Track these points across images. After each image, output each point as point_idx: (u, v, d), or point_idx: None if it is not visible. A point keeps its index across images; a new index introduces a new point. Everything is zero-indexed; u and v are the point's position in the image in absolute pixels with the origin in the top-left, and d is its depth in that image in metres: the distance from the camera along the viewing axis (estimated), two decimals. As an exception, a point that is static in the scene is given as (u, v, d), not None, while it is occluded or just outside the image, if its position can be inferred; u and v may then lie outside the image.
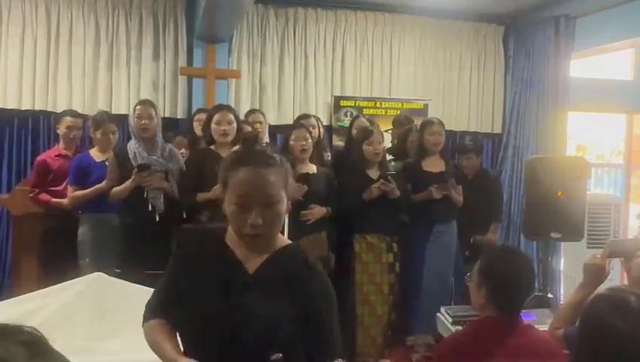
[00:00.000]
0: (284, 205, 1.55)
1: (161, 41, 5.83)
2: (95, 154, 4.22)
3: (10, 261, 5.12)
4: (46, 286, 4.25)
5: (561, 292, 5.47)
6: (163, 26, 5.83)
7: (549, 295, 4.49)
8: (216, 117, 3.82)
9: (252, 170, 1.52)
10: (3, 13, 5.47)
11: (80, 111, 5.40)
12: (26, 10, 5.50)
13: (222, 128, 3.78)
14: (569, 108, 6.03)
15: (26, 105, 5.50)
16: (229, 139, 3.81)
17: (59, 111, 5.38)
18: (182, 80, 5.86)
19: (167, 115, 5.83)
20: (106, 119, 4.22)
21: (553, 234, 4.33)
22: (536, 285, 5.25)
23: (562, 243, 5.01)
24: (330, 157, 4.83)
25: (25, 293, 4.56)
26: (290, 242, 1.69)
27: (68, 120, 4.44)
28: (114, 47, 5.71)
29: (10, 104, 5.48)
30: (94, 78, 5.67)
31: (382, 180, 4.09)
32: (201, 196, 3.69)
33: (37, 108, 5.54)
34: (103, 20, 5.68)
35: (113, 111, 5.57)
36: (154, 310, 1.68)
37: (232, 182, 1.53)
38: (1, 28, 5.47)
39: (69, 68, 5.61)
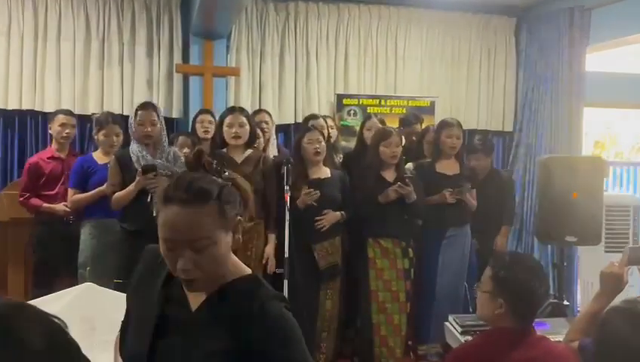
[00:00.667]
0: (224, 244, 1.39)
1: (156, 37, 5.79)
2: (98, 156, 4.24)
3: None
4: (35, 296, 4.29)
5: (578, 299, 5.44)
6: (157, 21, 5.79)
7: (565, 302, 4.46)
8: (227, 119, 3.84)
9: (177, 210, 1.34)
10: (-12, 9, 5.45)
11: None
12: (12, 6, 5.46)
13: (233, 131, 3.80)
14: (585, 104, 6.00)
15: (12, 105, 5.47)
16: (241, 142, 3.83)
17: (47, 111, 5.40)
18: (177, 78, 5.82)
19: (161, 115, 5.83)
20: (110, 120, 4.22)
21: (568, 238, 4.30)
22: (551, 291, 5.25)
23: (578, 248, 4.98)
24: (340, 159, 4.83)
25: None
26: (248, 274, 1.49)
27: (61, 117, 4.44)
28: (105, 44, 5.67)
29: (-3, 104, 5.44)
30: (85, 77, 5.63)
31: (399, 183, 4.08)
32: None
33: (24, 107, 5.50)
34: (94, 15, 5.63)
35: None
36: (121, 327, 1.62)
37: (159, 221, 1.38)
38: (-14, 25, 5.45)
39: (57, 66, 5.57)
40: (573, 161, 4.66)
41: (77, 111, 5.52)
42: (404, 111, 6.16)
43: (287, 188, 3.57)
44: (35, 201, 4.32)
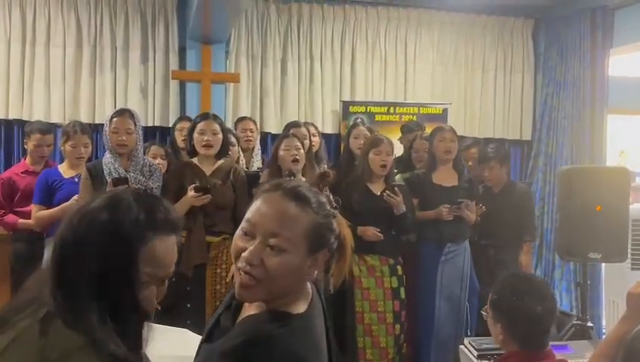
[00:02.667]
0: (299, 263, 1.38)
1: (150, 41, 5.84)
2: (64, 169, 4.11)
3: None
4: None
5: (603, 319, 5.40)
6: (152, 25, 5.84)
7: (589, 323, 4.41)
8: (199, 125, 3.77)
9: (278, 198, 1.40)
10: (-27, 14, 5.51)
11: (60, 120, 5.45)
12: (-2, 11, 5.54)
13: (205, 139, 3.74)
14: (608, 111, 5.99)
15: (-2, 115, 5.52)
16: (212, 151, 3.77)
17: (34, 121, 5.42)
18: (173, 85, 5.86)
19: (157, 124, 5.85)
20: (78, 130, 4.11)
21: (592, 255, 4.26)
22: (574, 312, 5.21)
23: (603, 265, 4.95)
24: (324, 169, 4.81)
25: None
26: (284, 312, 1.40)
27: (36, 136, 4.36)
28: (97, 49, 5.72)
29: (-19, 113, 5.49)
30: (75, 84, 5.69)
31: (387, 191, 4.05)
32: (179, 208, 3.67)
33: (11, 117, 5.56)
34: (85, 19, 5.69)
35: (97, 121, 5.60)
36: None
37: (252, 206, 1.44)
38: (-28, 31, 5.50)
39: (46, 73, 5.62)
40: (596, 171, 4.63)
41: (67, 121, 5.54)
42: (415, 119, 6.16)
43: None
44: (10, 218, 4.29)
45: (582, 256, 4.32)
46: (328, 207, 1.43)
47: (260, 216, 1.38)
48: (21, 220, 4.25)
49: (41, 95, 5.61)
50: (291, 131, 4.34)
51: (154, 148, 4.42)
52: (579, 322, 4.31)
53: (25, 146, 4.51)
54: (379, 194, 4.13)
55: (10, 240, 4.36)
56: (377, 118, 6.22)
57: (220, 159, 3.86)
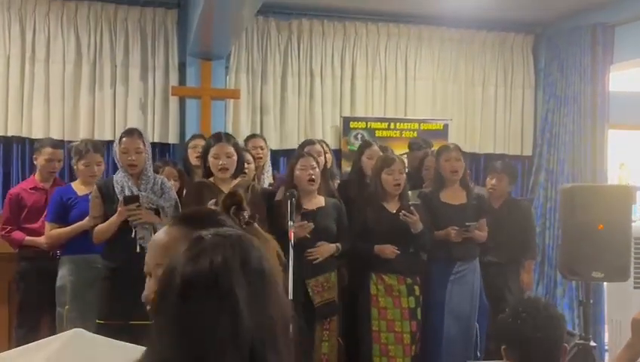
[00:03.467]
0: None
1: (150, 58, 5.84)
2: (78, 187, 4.18)
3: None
4: (19, 338, 4.25)
5: (606, 339, 5.37)
6: (152, 41, 5.84)
7: (592, 343, 4.39)
8: (213, 149, 3.79)
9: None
10: (-27, 31, 5.50)
11: (59, 137, 5.44)
12: (-3, 26, 5.53)
13: (220, 163, 3.76)
14: (609, 126, 5.99)
15: (-3, 131, 5.51)
16: (228, 174, 3.79)
17: (35, 138, 5.42)
18: (173, 101, 5.86)
19: (157, 140, 5.83)
20: (90, 148, 4.17)
21: (595, 274, 4.24)
22: (576, 330, 5.18)
23: (605, 284, 4.92)
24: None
25: (-6, 346, 4.58)
26: None
27: (48, 150, 4.39)
28: (97, 66, 5.72)
29: (-20, 130, 5.48)
30: (75, 101, 5.68)
31: (403, 211, 4.05)
32: None
33: (10, 133, 5.54)
34: (85, 36, 5.69)
35: (96, 137, 5.58)
36: None
37: None
38: (-30, 47, 5.50)
39: (46, 89, 5.61)
40: (598, 190, 4.63)
41: (66, 138, 5.57)
42: (416, 135, 6.16)
43: (291, 223, 3.53)
44: (17, 235, 4.30)
45: (584, 275, 4.30)
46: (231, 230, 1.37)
47: (148, 250, 1.35)
48: (28, 237, 4.26)
49: (41, 111, 5.60)
50: (306, 149, 4.35)
51: (167, 170, 4.39)
52: (582, 341, 4.28)
53: (34, 162, 4.52)
54: (394, 212, 4.13)
55: (16, 258, 4.34)
56: (378, 133, 6.21)
57: (236, 178, 3.86)
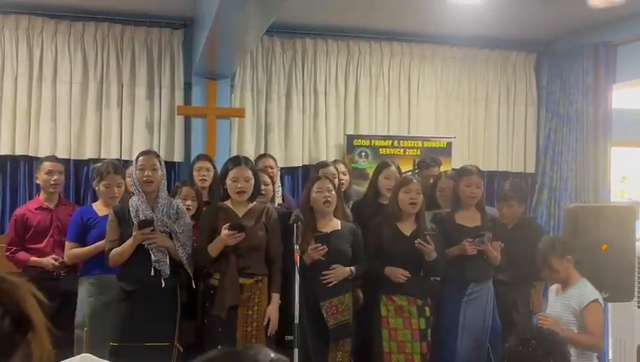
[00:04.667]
0: None
1: (156, 77, 5.89)
2: (98, 207, 4.26)
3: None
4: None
5: (610, 356, 5.36)
6: (158, 61, 5.89)
7: (596, 361, 4.39)
8: (232, 173, 3.84)
9: None
10: (-20, 50, 5.55)
11: (66, 156, 5.49)
12: (5, 46, 5.58)
13: (239, 186, 3.80)
14: (612, 144, 6.01)
15: (4, 150, 5.55)
16: (246, 197, 3.84)
17: (41, 156, 5.45)
18: (179, 120, 5.90)
19: (163, 159, 5.86)
20: (111, 170, 4.25)
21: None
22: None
23: (610, 304, 4.92)
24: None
25: (2, 363, 4.57)
26: None
27: (47, 164, 4.46)
28: (103, 85, 5.77)
29: (-12, 149, 5.52)
30: (82, 120, 5.72)
31: (419, 240, 4.05)
32: (212, 248, 3.74)
33: (17, 153, 5.58)
34: (92, 55, 5.74)
35: (103, 156, 5.63)
36: None
37: None
38: (-21, 66, 5.54)
39: (53, 108, 5.66)
40: (601, 210, 4.65)
41: (73, 157, 5.61)
42: (419, 152, 6.18)
43: (296, 247, 3.55)
44: (21, 255, 4.33)
45: (589, 295, 4.30)
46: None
47: None
48: (32, 258, 4.29)
49: (48, 131, 5.64)
50: (321, 172, 4.37)
51: (185, 190, 4.41)
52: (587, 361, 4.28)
53: (36, 181, 4.54)
54: (409, 234, 4.14)
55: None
56: (382, 151, 6.23)
57: (252, 201, 3.91)
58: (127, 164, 5.12)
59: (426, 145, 6.33)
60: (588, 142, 6.01)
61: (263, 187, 4.16)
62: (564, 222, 4.74)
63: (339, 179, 4.59)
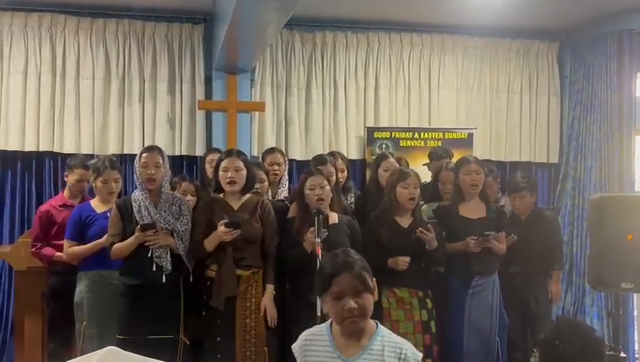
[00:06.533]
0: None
1: (177, 72, 5.92)
2: (96, 204, 4.21)
3: (13, 320, 5.17)
4: (50, 352, 4.32)
5: (636, 346, 5.31)
6: (179, 56, 5.93)
7: (622, 354, 4.34)
8: (223, 163, 3.85)
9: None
10: (4, 48, 5.63)
11: (89, 152, 5.55)
12: (28, 44, 5.65)
13: (229, 175, 3.80)
14: (636, 133, 5.93)
15: (29, 147, 5.62)
16: (237, 188, 3.83)
17: (65, 152, 5.52)
18: (200, 115, 5.93)
19: (184, 153, 5.92)
20: (107, 165, 4.19)
21: (624, 285, 4.18)
22: (606, 340, 5.12)
23: (635, 294, 4.87)
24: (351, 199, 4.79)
25: (29, 356, 4.65)
26: None
27: (79, 171, 4.45)
28: (125, 81, 5.82)
29: (13, 145, 5.61)
30: (104, 116, 5.78)
31: (420, 228, 4.02)
32: (209, 243, 3.74)
33: (42, 149, 5.65)
34: (114, 52, 5.80)
35: (126, 151, 5.69)
36: None
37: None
38: (2, 64, 5.63)
39: (76, 105, 5.73)
40: (626, 200, 4.57)
41: (96, 152, 5.66)
42: (440, 144, 6.14)
43: (318, 240, 3.53)
44: (47, 251, 4.37)
45: (614, 286, 4.25)
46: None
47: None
48: (57, 253, 4.33)
49: (71, 127, 5.71)
50: (318, 167, 4.33)
51: (184, 185, 4.40)
52: (612, 352, 4.24)
53: (65, 179, 4.58)
54: (407, 227, 4.11)
55: (46, 273, 4.41)
56: (402, 143, 6.22)
57: (245, 194, 3.90)
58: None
59: (446, 137, 6.30)
60: (612, 131, 5.94)
61: (257, 185, 4.12)
62: (589, 212, 4.68)
63: (336, 176, 4.53)
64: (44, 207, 4.53)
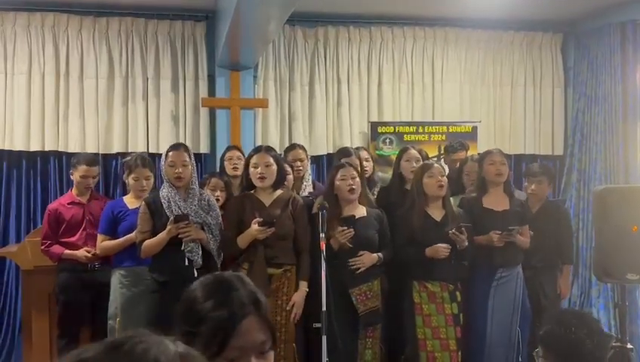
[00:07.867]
0: None
1: (180, 70, 5.94)
2: (129, 200, 4.32)
3: (21, 319, 5.21)
4: (60, 348, 4.36)
5: (642, 338, 5.30)
6: (182, 53, 5.94)
7: (629, 345, 4.34)
8: (253, 159, 3.86)
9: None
10: (8, 49, 5.65)
11: (94, 150, 5.57)
12: (32, 45, 5.68)
13: (259, 171, 3.81)
14: (641, 125, 5.92)
15: (34, 147, 5.65)
16: (268, 183, 3.84)
17: (70, 151, 5.54)
18: (203, 112, 5.94)
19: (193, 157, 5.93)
20: (139, 163, 4.28)
21: (630, 276, 4.19)
22: (614, 333, 5.12)
23: (641, 285, 4.87)
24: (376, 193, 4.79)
25: (37, 354, 4.69)
26: None
27: (83, 168, 4.49)
28: (129, 80, 5.84)
29: (18, 145, 5.64)
30: (108, 114, 5.80)
31: (453, 230, 4.01)
32: (242, 240, 3.75)
33: (47, 148, 5.68)
34: (116, 51, 5.82)
35: (130, 149, 5.71)
36: None
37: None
38: (7, 65, 5.65)
39: (80, 104, 5.75)
40: (631, 191, 4.56)
41: (101, 151, 5.69)
42: (444, 138, 6.14)
43: (322, 235, 3.55)
44: (56, 249, 4.41)
45: (619, 277, 4.26)
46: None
47: None
48: (66, 251, 4.38)
49: (76, 126, 5.73)
50: (344, 161, 4.34)
51: (214, 181, 4.44)
52: (618, 344, 4.23)
53: (71, 177, 4.62)
54: (439, 220, 4.12)
55: (55, 271, 4.45)
56: (406, 137, 6.20)
57: (276, 189, 3.92)
58: (154, 157, 5.18)
59: (451, 130, 6.29)
60: (616, 123, 5.93)
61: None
62: (594, 204, 4.68)
63: (362, 166, 4.56)
64: (53, 205, 4.58)
